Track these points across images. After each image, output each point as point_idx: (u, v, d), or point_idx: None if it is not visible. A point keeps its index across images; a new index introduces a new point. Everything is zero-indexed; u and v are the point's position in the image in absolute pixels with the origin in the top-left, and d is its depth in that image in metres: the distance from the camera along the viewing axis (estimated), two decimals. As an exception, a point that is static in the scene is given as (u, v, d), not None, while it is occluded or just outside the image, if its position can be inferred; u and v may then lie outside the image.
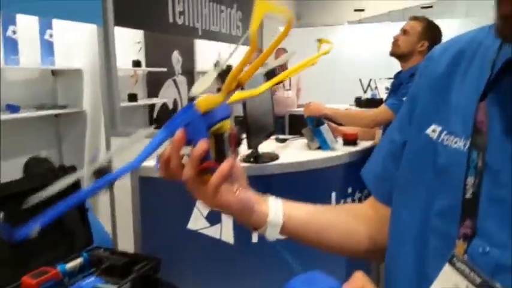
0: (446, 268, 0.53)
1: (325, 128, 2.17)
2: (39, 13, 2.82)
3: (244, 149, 1.88)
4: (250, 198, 0.66)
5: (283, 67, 5.04)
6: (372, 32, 7.37)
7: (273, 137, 2.43)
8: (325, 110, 2.27)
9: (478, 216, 0.52)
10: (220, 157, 0.58)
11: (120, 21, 3.32)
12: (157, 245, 1.94)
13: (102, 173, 0.55)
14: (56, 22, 3.26)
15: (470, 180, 0.53)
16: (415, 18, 2.42)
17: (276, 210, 0.69)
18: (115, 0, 3.15)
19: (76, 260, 1.69)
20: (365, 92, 7.14)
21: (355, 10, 7.99)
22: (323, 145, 2.19)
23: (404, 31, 2.37)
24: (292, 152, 2.21)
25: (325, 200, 2.06)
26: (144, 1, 3.86)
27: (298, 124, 2.36)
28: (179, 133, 0.56)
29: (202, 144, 0.55)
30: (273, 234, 0.68)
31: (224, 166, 0.58)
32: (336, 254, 0.76)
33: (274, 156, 2.02)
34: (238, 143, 0.61)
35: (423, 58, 2.20)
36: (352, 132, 2.30)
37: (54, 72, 3.43)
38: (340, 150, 2.18)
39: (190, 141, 0.56)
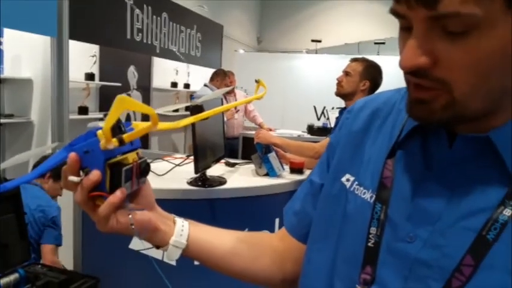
0: None
1: (272, 156, 2.22)
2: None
3: (192, 172, 1.90)
4: (151, 221, 0.66)
5: (232, 92, 5.15)
6: (328, 63, 7.60)
7: (223, 161, 2.46)
8: (274, 139, 2.34)
9: (377, 264, 0.57)
10: (114, 188, 0.59)
11: (76, 34, 3.29)
12: (97, 264, 1.91)
13: None
14: (6, 30, 3.18)
15: (373, 230, 0.58)
16: (355, 59, 2.58)
17: (181, 232, 0.70)
18: (71, 13, 3.12)
19: (11, 275, 1.65)
20: (318, 119, 7.34)
21: (313, 40, 8.22)
22: (270, 172, 2.24)
23: (346, 73, 2.52)
24: (240, 177, 2.25)
25: (269, 226, 2.10)
26: (101, 16, 3.84)
27: (251, 145, 2.41)
28: (71, 157, 0.57)
29: (93, 176, 0.57)
30: (174, 254, 0.70)
31: (112, 198, 0.59)
32: (244, 281, 0.78)
33: (221, 181, 2.05)
34: (144, 173, 0.63)
35: (366, 96, 2.30)
36: (299, 161, 2.38)
37: (1, 80, 3.33)
38: (286, 178, 2.25)
39: (86, 167, 0.58)
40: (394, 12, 0.50)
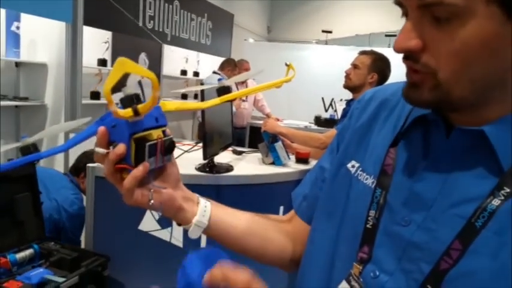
0: (343, 285, 0.64)
1: (279, 145, 2.27)
2: (10, 6, 2.83)
3: (200, 158, 1.96)
4: (175, 200, 0.70)
5: (243, 82, 5.18)
6: (338, 54, 7.55)
7: (230, 149, 2.52)
8: (280, 129, 2.38)
9: (374, 245, 0.62)
10: (139, 162, 0.61)
11: (90, 21, 3.36)
12: (108, 243, 1.99)
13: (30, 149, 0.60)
14: (24, 15, 3.26)
15: (372, 213, 0.63)
16: (364, 52, 2.61)
17: (204, 213, 0.74)
18: (86, 0, 3.20)
19: (26, 250, 1.73)
20: (326, 110, 7.34)
21: (323, 31, 8.20)
22: (276, 161, 2.29)
23: (354, 66, 2.56)
24: (247, 165, 2.30)
25: (273, 213, 2.15)
26: (114, 3, 3.91)
27: (259, 135, 2.46)
28: (100, 131, 0.60)
29: (119, 149, 0.60)
30: (196, 233, 0.73)
31: (135, 171, 0.61)
32: (257, 260, 0.82)
33: (229, 168, 2.11)
34: (169, 151, 0.65)
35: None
36: (304, 151, 2.42)
37: (17, 64, 3.41)
38: (291, 167, 2.30)
39: (113, 141, 0.61)
40: (395, 1, 0.56)
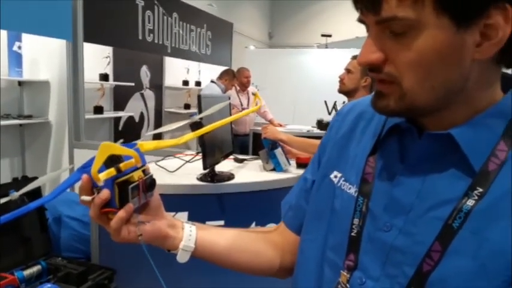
0: None
1: (279, 152, 2.29)
2: (10, 27, 2.88)
3: (202, 168, 1.98)
4: (161, 229, 0.73)
5: (245, 91, 5.18)
6: (339, 57, 7.54)
7: (231, 157, 2.54)
8: (280, 135, 2.39)
9: (359, 252, 0.64)
10: (123, 204, 0.65)
11: (90, 37, 3.41)
12: (114, 256, 2.01)
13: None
14: (25, 34, 3.31)
15: (356, 221, 0.65)
16: (356, 56, 2.61)
17: (189, 237, 0.76)
18: (85, 17, 3.24)
19: (34, 267, 1.76)
20: (329, 113, 7.35)
21: (322, 35, 8.23)
22: (277, 167, 2.31)
23: (347, 70, 2.57)
24: (248, 173, 2.32)
25: (276, 219, 2.17)
26: (114, 18, 3.96)
27: (262, 141, 2.47)
28: (84, 178, 0.64)
29: (103, 194, 0.64)
30: (184, 257, 0.76)
31: (121, 213, 0.65)
32: (249, 273, 0.85)
33: (230, 176, 2.13)
34: (150, 188, 0.70)
35: (368, 92, 2.34)
36: (305, 156, 2.44)
37: (20, 83, 3.46)
38: (292, 173, 2.32)
39: (97, 186, 0.65)
40: (358, 19, 0.59)
